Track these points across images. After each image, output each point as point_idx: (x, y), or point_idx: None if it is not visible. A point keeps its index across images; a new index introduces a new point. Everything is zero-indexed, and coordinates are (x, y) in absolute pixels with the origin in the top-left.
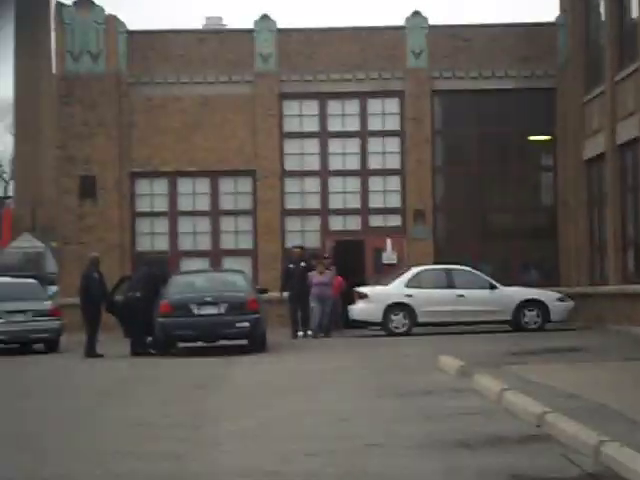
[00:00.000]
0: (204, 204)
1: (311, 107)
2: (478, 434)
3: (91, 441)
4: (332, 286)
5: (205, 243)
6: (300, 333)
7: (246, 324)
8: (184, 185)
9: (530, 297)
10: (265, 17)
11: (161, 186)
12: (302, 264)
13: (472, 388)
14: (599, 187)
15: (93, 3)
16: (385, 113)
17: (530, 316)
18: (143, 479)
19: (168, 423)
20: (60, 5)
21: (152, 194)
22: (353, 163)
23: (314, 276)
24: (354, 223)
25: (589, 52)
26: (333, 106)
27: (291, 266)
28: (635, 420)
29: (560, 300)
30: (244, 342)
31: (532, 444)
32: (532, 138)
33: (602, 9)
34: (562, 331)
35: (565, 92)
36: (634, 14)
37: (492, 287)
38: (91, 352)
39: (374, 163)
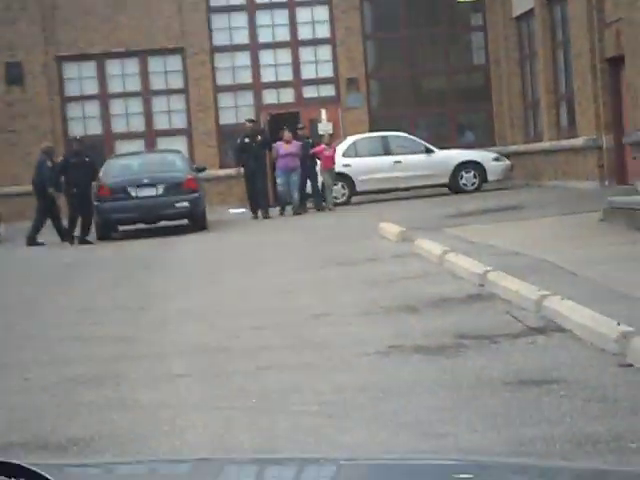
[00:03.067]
0: (135, 85)
1: None
2: (422, 297)
3: (37, 328)
4: (299, 157)
5: (138, 125)
6: (259, 213)
7: (185, 204)
8: (113, 67)
9: (466, 159)
10: None
11: (89, 69)
12: (258, 138)
13: (414, 252)
14: (530, 44)
15: None
16: None
17: (467, 178)
18: (91, 362)
19: (114, 306)
20: None
21: (81, 77)
22: (283, 35)
23: (280, 146)
24: (288, 96)
25: None
26: None
27: (247, 140)
28: (575, 272)
29: (496, 160)
30: (184, 222)
31: (476, 303)
32: None
33: None
34: (500, 190)
35: None
36: None
37: (428, 151)
38: (32, 240)
39: (304, 33)
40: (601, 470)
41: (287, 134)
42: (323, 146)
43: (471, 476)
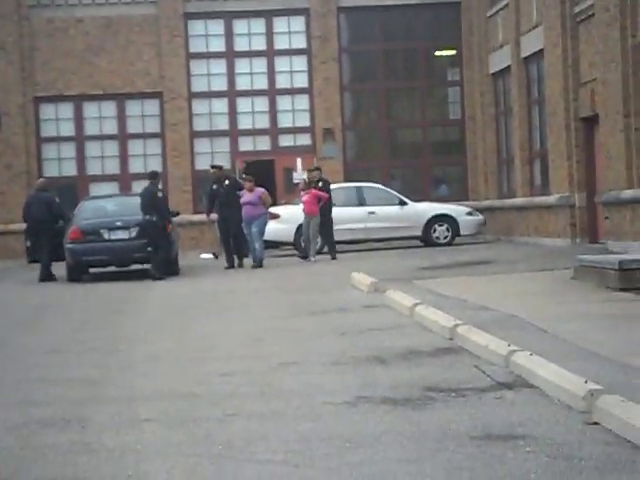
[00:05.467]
0: (111, 128)
1: (217, 27)
2: (391, 349)
3: (2, 370)
4: (260, 205)
5: (113, 167)
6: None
7: None
8: (90, 109)
9: (440, 212)
10: None
11: (66, 110)
12: (226, 182)
13: (385, 304)
14: (505, 100)
15: None
16: (291, 32)
17: (440, 231)
18: (58, 405)
19: (82, 349)
20: None
21: (57, 119)
22: (261, 83)
23: (244, 194)
24: (264, 143)
25: None
26: (239, 25)
27: (215, 187)
28: (544, 329)
29: (469, 214)
30: None
31: (445, 357)
32: (438, 53)
33: None
34: (472, 245)
35: (470, 6)
36: None
37: (402, 203)
38: (46, 276)
39: (282, 82)
40: None
41: (249, 182)
42: (301, 192)
43: None
